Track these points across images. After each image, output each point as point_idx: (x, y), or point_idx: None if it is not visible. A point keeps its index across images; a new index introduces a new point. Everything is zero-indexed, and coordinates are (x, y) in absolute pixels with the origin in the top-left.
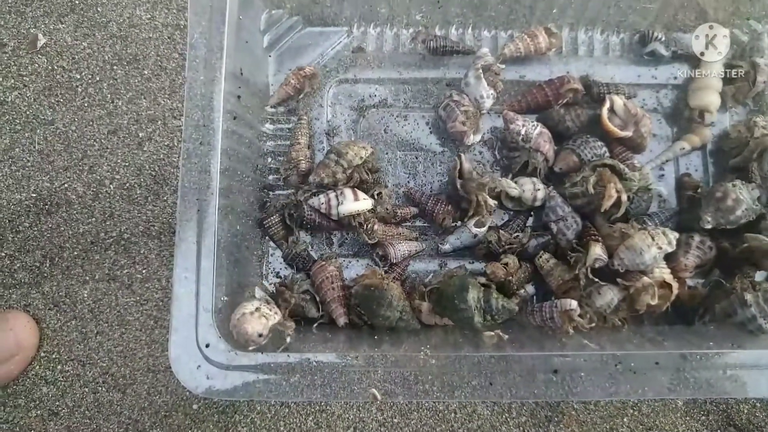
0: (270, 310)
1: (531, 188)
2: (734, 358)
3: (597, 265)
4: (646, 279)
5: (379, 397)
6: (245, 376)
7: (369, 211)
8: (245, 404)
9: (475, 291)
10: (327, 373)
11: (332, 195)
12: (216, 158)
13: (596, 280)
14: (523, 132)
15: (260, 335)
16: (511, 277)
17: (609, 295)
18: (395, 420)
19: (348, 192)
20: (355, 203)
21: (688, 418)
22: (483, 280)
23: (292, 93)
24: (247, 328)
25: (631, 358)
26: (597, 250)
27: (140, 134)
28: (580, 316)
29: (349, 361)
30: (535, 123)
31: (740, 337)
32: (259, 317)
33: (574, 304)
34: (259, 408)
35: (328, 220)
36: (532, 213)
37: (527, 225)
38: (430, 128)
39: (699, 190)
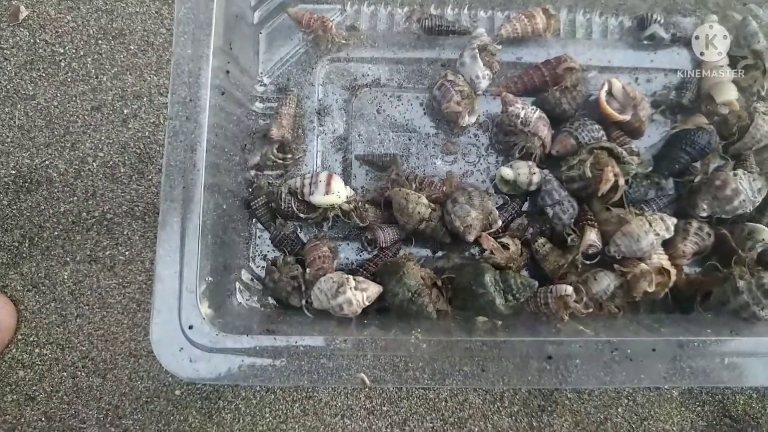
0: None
1: (526, 172)
2: (731, 346)
3: (591, 251)
4: (643, 266)
5: (368, 382)
6: (230, 359)
7: (345, 203)
8: (230, 390)
9: (490, 273)
10: (314, 358)
11: (306, 181)
12: (203, 136)
13: (588, 263)
14: (522, 115)
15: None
16: (512, 263)
17: (605, 282)
18: (384, 408)
19: (322, 182)
20: (325, 197)
21: (683, 408)
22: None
23: (302, 23)
24: (355, 306)
25: (628, 345)
26: (591, 236)
27: (125, 111)
28: (576, 301)
29: (337, 344)
30: (534, 107)
31: (737, 325)
32: (353, 292)
33: (569, 289)
34: (243, 394)
35: (308, 208)
36: (528, 197)
37: (523, 209)
38: (424, 109)
39: (694, 177)
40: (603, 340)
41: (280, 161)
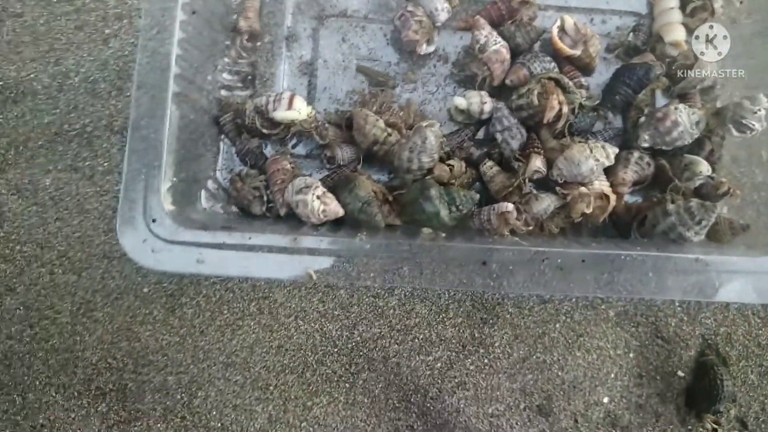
0: (315, 190)
1: (478, 101)
2: (659, 262)
3: (535, 177)
4: (583, 189)
5: (314, 277)
6: (189, 250)
7: (305, 120)
8: (192, 288)
9: (436, 188)
10: (267, 253)
11: (271, 99)
12: (173, 52)
13: (533, 190)
14: (482, 42)
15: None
16: (454, 180)
17: (546, 202)
18: (336, 312)
19: (285, 99)
20: (287, 112)
21: (618, 328)
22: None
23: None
24: (308, 211)
25: (558, 255)
26: (537, 163)
27: (106, 31)
28: (517, 219)
29: (290, 244)
30: (498, 40)
31: (667, 245)
32: (313, 198)
33: (510, 206)
34: (204, 291)
35: (271, 125)
36: (481, 126)
37: (475, 136)
38: (387, 40)
39: (641, 112)
40: (535, 249)
41: (248, 54)
